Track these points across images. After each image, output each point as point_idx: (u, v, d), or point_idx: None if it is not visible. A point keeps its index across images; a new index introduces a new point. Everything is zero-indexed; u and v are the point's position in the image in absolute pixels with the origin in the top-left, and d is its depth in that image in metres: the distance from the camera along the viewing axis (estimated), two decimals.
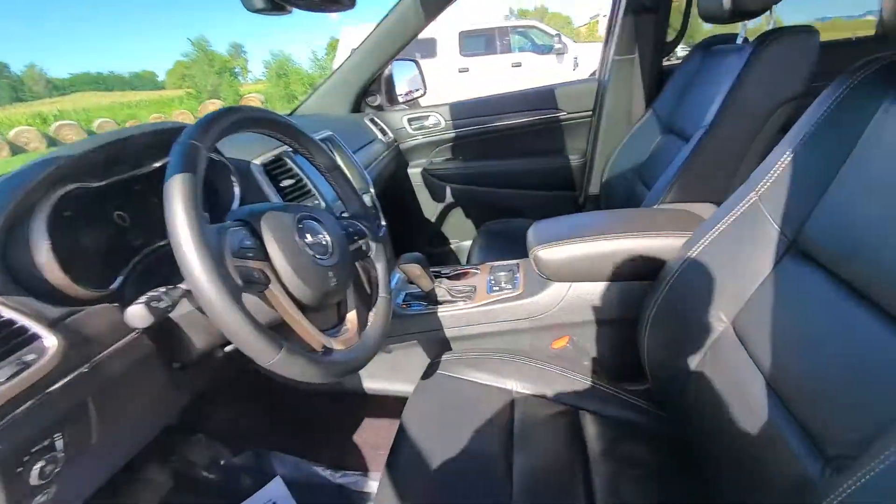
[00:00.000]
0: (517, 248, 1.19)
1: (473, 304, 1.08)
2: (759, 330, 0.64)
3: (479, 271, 1.23)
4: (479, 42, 8.92)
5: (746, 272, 0.69)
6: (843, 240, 0.57)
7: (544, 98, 1.86)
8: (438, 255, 2.11)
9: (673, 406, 0.82)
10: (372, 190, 1.29)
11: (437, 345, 1.12)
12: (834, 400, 0.51)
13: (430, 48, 8.44)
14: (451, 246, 2.11)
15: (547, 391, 0.93)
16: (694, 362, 0.75)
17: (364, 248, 0.85)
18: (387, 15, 1.64)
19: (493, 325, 1.08)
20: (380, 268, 0.86)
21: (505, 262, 1.24)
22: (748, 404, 0.62)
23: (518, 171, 1.92)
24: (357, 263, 0.85)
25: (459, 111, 1.92)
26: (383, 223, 1.29)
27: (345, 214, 0.89)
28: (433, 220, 2.04)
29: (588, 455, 0.79)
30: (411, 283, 1.10)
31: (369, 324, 0.80)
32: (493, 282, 1.15)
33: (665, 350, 0.83)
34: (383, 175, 1.78)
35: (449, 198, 1.99)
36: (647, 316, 0.85)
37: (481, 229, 1.79)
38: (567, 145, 1.91)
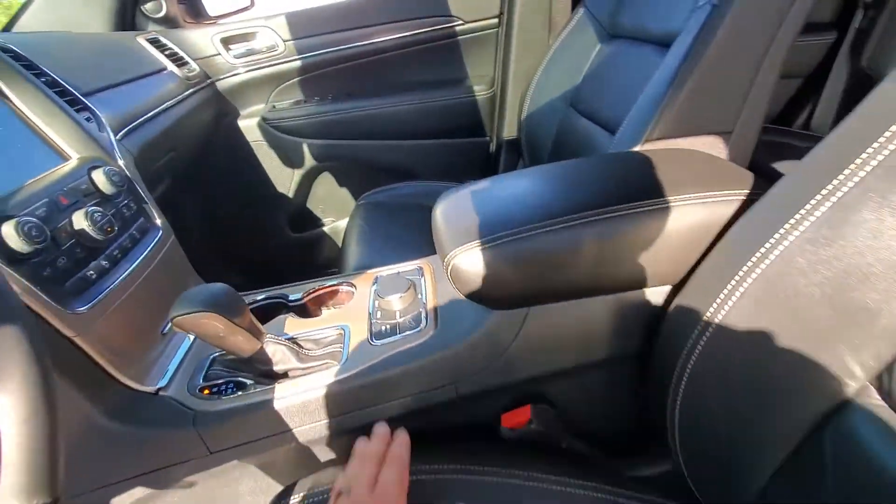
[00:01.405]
0: (414, 228, 0.83)
1: (343, 369, 0.53)
2: None
3: (352, 289, 0.68)
4: None
5: None
6: None
7: (429, 1, 1.27)
8: (307, 243, 1.49)
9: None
10: (119, 160, 0.64)
11: (285, 462, 0.56)
12: None
13: None
14: (325, 229, 1.50)
15: None
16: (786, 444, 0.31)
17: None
18: None
19: (386, 405, 0.55)
20: None
21: (397, 268, 0.71)
22: None
23: (400, 113, 1.34)
24: None
25: (304, 25, 1.26)
26: (157, 222, 0.66)
27: None
28: (290, 193, 1.40)
29: None
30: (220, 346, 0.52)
31: None
32: (379, 316, 0.60)
33: (724, 413, 0.38)
34: (189, 130, 1.10)
35: (308, 158, 1.35)
36: (684, 352, 0.40)
37: (359, 203, 1.21)
38: (467, 70, 1.36)
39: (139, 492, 0.53)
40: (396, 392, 0.54)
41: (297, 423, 0.53)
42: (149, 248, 0.62)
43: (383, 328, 0.58)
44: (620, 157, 0.64)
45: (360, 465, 0.45)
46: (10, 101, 0.56)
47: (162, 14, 1.17)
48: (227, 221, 1.40)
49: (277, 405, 0.52)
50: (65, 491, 0.29)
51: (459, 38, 1.30)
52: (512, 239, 0.48)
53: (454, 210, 0.56)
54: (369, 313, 0.61)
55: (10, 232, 0.44)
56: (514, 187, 0.58)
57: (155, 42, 1.09)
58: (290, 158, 1.36)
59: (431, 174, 1.37)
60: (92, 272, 0.52)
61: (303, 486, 0.50)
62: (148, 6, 1.15)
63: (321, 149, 1.34)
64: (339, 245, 1.47)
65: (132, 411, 0.52)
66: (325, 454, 0.59)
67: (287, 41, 1.25)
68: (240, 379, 0.55)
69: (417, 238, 0.99)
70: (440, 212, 0.56)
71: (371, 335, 0.57)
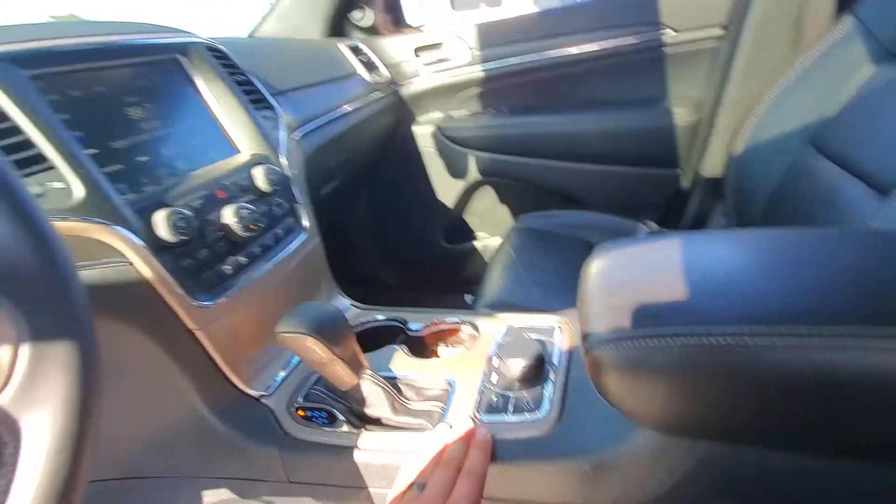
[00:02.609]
0: (569, 266, 0.71)
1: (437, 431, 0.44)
2: None
3: (476, 334, 0.59)
4: None
5: None
6: None
7: (639, 7, 1.11)
8: (457, 255, 1.46)
9: None
10: (283, 159, 0.66)
11: None
12: None
13: None
14: (477, 244, 1.44)
15: None
16: None
17: None
18: None
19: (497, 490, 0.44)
20: None
21: (532, 320, 0.59)
22: None
23: (579, 133, 1.20)
24: None
25: (496, 34, 1.22)
26: (304, 224, 0.67)
27: None
28: (450, 204, 1.38)
29: None
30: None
31: None
32: (495, 380, 0.50)
33: None
34: (367, 134, 1.14)
35: (474, 171, 1.31)
36: None
37: (517, 225, 1.11)
38: (668, 89, 1.16)
39: (224, 493, 0.53)
40: (492, 488, 0.42)
41: (374, 484, 0.46)
42: (289, 249, 0.62)
43: (495, 398, 0.48)
44: None
45: (439, 465, 0.41)
46: (203, 96, 0.61)
47: (366, 23, 1.25)
48: (387, 220, 1.45)
49: (358, 457, 0.46)
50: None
51: (666, 50, 1.10)
52: (701, 342, 0.32)
53: (614, 273, 0.41)
54: (484, 373, 0.51)
55: (161, 221, 0.46)
56: (712, 257, 0.41)
57: (354, 49, 1.16)
58: (457, 169, 1.33)
59: (603, 205, 1.19)
60: (228, 267, 0.53)
61: None
62: (355, 15, 1.24)
63: (488, 162, 1.29)
64: (488, 262, 1.41)
65: (233, 412, 0.52)
66: None
67: (474, 50, 1.22)
68: (333, 410, 0.51)
69: (570, 279, 0.85)
70: (596, 271, 0.43)
71: (479, 405, 0.47)
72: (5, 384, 0.24)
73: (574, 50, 1.16)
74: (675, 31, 1.07)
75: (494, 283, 0.90)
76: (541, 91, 1.23)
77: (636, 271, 0.40)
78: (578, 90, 1.21)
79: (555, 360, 0.53)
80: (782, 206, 0.81)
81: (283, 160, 0.66)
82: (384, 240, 1.48)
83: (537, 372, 0.49)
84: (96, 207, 0.42)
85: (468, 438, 0.43)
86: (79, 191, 0.42)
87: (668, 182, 1.20)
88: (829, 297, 0.32)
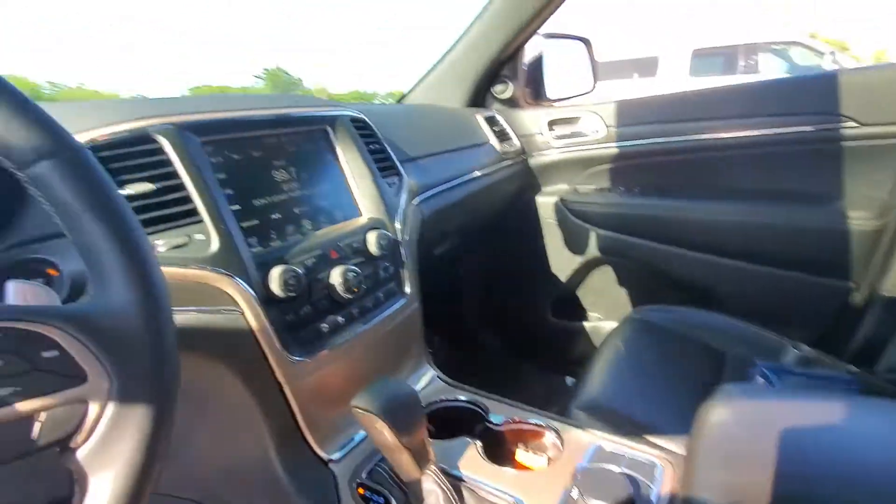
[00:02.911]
0: (688, 377, 0.65)
1: None
2: None
3: (559, 444, 0.53)
4: (716, 62, 7.37)
5: None
6: None
7: (815, 94, 0.98)
8: (564, 332, 1.37)
9: None
10: (398, 224, 0.69)
11: None
12: None
13: (648, 67, 7.32)
14: (587, 324, 1.35)
15: None
16: None
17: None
18: None
19: None
20: None
21: (629, 447, 0.51)
22: None
23: (723, 224, 1.07)
24: None
25: (636, 114, 1.17)
26: (406, 290, 0.68)
27: None
28: (563, 278, 1.32)
29: None
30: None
31: None
32: None
33: None
34: (489, 200, 1.16)
35: (594, 248, 1.24)
36: None
37: (633, 315, 1.01)
38: (844, 187, 0.98)
39: None
40: None
41: None
42: (387, 313, 0.63)
43: None
44: None
45: None
46: (340, 162, 0.67)
47: (507, 95, 1.29)
48: (497, 285, 1.43)
49: None
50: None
51: (844, 144, 0.95)
52: None
53: (741, 434, 0.34)
54: (560, 502, 0.45)
55: (276, 276, 0.50)
56: (877, 432, 0.32)
57: (490, 119, 1.21)
58: (576, 243, 1.27)
59: (741, 309, 1.03)
60: (326, 325, 0.55)
61: None
62: (497, 88, 1.29)
63: (610, 241, 1.21)
64: (596, 346, 1.30)
65: (300, 469, 0.53)
66: None
67: (610, 127, 1.18)
68: (392, 499, 0.48)
69: (683, 394, 0.73)
70: (716, 422, 0.35)
71: None
72: (87, 438, 0.26)
73: (727, 135, 1.06)
74: (860, 123, 0.92)
75: (596, 378, 0.82)
76: (681, 174, 1.14)
77: (764, 437, 0.32)
78: (728, 177, 1.09)
79: (650, 501, 0.44)
80: None
81: (398, 225, 0.69)
82: (491, 304, 1.46)
83: None
84: (226, 260, 0.47)
85: None
86: (215, 244, 0.47)
87: (834, 295, 1.00)
88: None
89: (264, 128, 0.59)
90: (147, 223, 0.45)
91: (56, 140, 0.27)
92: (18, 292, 0.29)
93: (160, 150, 0.48)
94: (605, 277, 1.29)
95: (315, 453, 0.53)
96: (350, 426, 0.58)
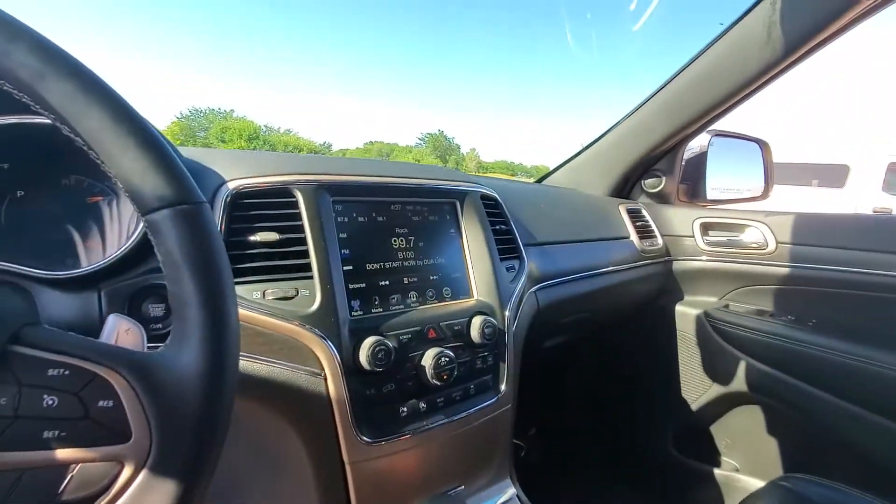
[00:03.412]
0: None
1: None
2: None
3: None
4: None
5: None
6: None
7: None
8: (686, 472, 1.13)
9: None
10: (507, 312, 0.63)
11: None
12: None
13: (836, 176, 6.37)
14: (717, 471, 1.09)
15: None
16: None
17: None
18: (703, 50, 0.96)
19: None
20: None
21: None
22: None
23: None
24: None
25: (817, 231, 0.97)
26: (501, 387, 0.61)
27: None
28: (694, 406, 1.11)
29: None
30: None
31: None
32: None
33: None
34: (619, 300, 1.05)
35: (740, 379, 1.02)
36: None
37: (780, 482, 0.78)
38: None
39: None
40: None
41: None
42: (475, 409, 0.57)
43: None
44: None
45: None
46: (462, 238, 0.65)
47: (658, 190, 1.19)
48: (609, 395, 1.26)
49: None
50: None
51: None
52: None
53: None
54: None
55: (366, 346, 0.48)
56: None
57: (634, 213, 1.11)
58: (718, 369, 1.07)
59: None
60: (405, 409, 0.51)
61: None
62: (648, 182, 1.20)
63: (763, 376, 0.99)
64: (723, 499, 1.04)
65: None
66: None
67: (781, 243, 1.00)
68: None
69: None
70: None
71: None
72: (113, 502, 0.24)
73: None
74: None
75: None
76: (865, 313, 0.90)
77: None
78: None
79: None
80: None
81: (508, 313, 0.64)
82: (601, 417, 1.28)
83: None
84: (324, 319, 0.47)
85: None
86: (317, 302, 0.47)
87: None
88: None
89: (394, 195, 0.59)
90: (263, 271, 0.47)
91: (179, 192, 0.28)
92: (113, 328, 0.31)
93: (295, 204, 0.50)
94: (749, 418, 1.05)
95: None
96: None
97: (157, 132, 0.29)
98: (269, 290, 0.46)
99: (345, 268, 0.51)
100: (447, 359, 0.52)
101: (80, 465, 0.24)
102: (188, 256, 0.27)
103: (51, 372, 0.24)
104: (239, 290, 0.45)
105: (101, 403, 0.24)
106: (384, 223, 0.58)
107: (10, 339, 0.23)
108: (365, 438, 0.47)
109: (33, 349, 0.24)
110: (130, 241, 0.42)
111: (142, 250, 0.43)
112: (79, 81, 0.25)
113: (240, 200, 0.48)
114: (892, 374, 0.83)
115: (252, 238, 0.47)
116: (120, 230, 0.45)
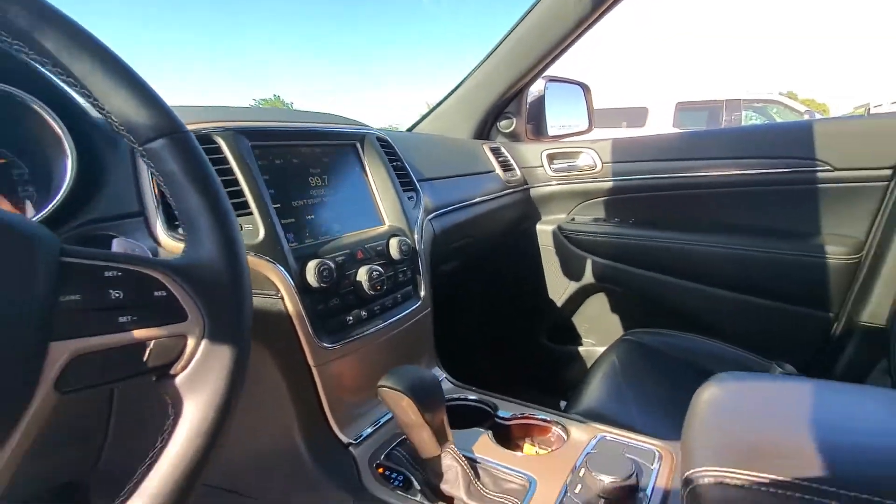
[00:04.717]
0: (677, 392, 0.67)
1: None
2: None
3: (565, 437, 0.57)
4: (700, 116, 7.78)
5: None
6: None
7: (791, 140, 1.08)
8: (558, 356, 1.41)
9: None
10: (416, 235, 0.75)
11: None
12: None
13: (639, 117, 7.68)
14: (581, 349, 1.39)
15: None
16: None
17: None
18: (530, 9, 1.14)
19: None
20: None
21: (629, 439, 0.55)
22: None
23: (712, 256, 1.14)
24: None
25: (630, 151, 1.26)
26: (421, 293, 0.73)
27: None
28: (559, 303, 1.37)
29: None
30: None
31: None
32: (578, 489, 0.47)
33: None
34: (492, 225, 1.23)
35: (589, 275, 1.30)
36: None
37: (625, 336, 1.06)
38: (822, 226, 1.06)
39: None
40: None
41: None
42: (405, 312, 0.68)
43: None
44: None
45: None
46: (367, 175, 0.73)
47: (511, 130, 1.39)
48: (494, 307, 1.48)
49: None
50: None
51: (820, 186, 1.04)
52: (820, 500, 0.29)
53: (731, 405, 0.39)
54: (567, 482, 0.49)
55: (312, 268, 0.55)
56: (852, 409, 0.37)
57: (495, 150, 1.29)
58: (572, 270, 1.34)
59: (730, 335, 1.09)
60: (350, 318, 0.60)
61: None
62: (502, 123, 1.39)
63: (605, 269, 1.27)
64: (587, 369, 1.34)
65: (322, 452, 0.56)
66: None
67: (606, 163, 1.27)
68: (411, 477, 0.52)
69: (674, 407, 0.77)
70: (708, 399, 0.40)
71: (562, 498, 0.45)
72: (184, 367, 0.30)
73: (714, 173, 1.15)
74: (833, 167, 1.01)
75: (593, 391, 0.86)
76: (671, 208, 1.22)
77: (752, 410, 0.37)
78: (715, 212, 1.17)
79: (648, 488, 0.48)
80: None
81: (416, 235, 0.75)
82: (488, 325, 1.50)
83: (627, 494, 0.45)
84: (270, 249, 0.52)
85: None
86: (262, 234, 0.52)
87: (817, 325, 1.06)
88: None
89: (303, 138, 0.65)
90: None
91: (171, 123, 0.33)
92: (122, 247, 0.34)
93: (219, 150, 0.53)
94: (599, 304, 1.34)
95: (336, 437, 0.57)
96: (368, 413, 0.61)
97: (140, 76, 0.32)
98: None
99: (275, 205, 0.57)
100: (378, 272, 0.62)
101: (153, 341, 0.29)
102: (191, 175, 0.33)
103: (107, 274, 0.28)
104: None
105: (157, 294, 0.30)
106: (299, 165, 0.64)
107: (62, 253, 0.27)
108: (324, 344, 0.56)
109: (85, 259, 0.28)
110: (62, 192, 0.43)
111: (74, 203, 0.44)
112: (70, 30, 0.28)
113: None
114: (697, 249, 1.16)
115: None
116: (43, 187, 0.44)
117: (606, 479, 0.46)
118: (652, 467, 0.50)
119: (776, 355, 0.97)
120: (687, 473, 0.34)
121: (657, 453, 0.52)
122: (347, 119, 0.77)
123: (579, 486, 0.48)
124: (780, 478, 0.30)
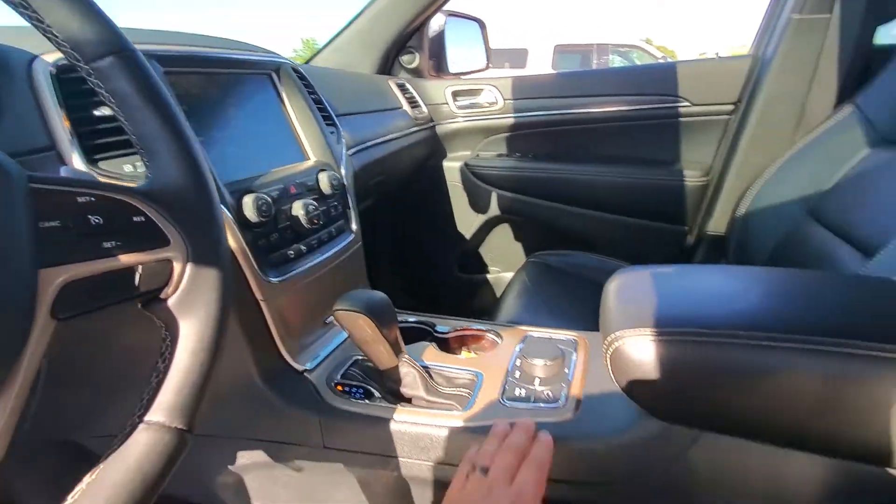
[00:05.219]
0: (579, 300, 0.82)
1: (466, 418, 0.50)
2: None
3: (498, 341, 0.65)
4: (575, 59, 8.28)
5: None
6: None
7: (659, 80, 1.24)
8: (470, 285, 1.53)
9: None
10: (343, 169, 0.75)
11: (383, 488, 0.55)
12: None
13: (520, 58, 7.93)
14: (489, 276, 1.52)
15: None
16: None
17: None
18: None
19: None
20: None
21: (551, 334, 0.65)
22: None
23: (597, 183, 1.30)
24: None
25: (527, 88, 1.34)
26: (353, 227, 0.75)
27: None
28: (468, 235, 1.47)
29: None
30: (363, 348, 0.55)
31: None
32: (518, 376, 0.56)
33: None
34: (403, 162, 1.24)
35: (494, 207, 1.40)
36: None
37: (532, 259, 1.19)
38: (681, 153, 1.27)
39: (258, 455, 0.58)
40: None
41: (405, 454, 0.51)
42: (340, 246, 0.69)
43: (517, 391, 0.54)
44: (879, 283, 0.49)
45: (500, 450, 0.41)
46: (286, 107, 0.71)
47: (414, 65, 1.38)
48: (407, 244, 1.53)
49: (393, 427, 0.51)
50: (198, 426, 0.32)
51: (681, 119, 1.22)
52: (700, 340, 0.39)
53: (632, 288, 0.49)
54: (507, 370, 0.57)
55: (249, 203, 0.54)
56: (714, 282, 0.49)
57: (401, 86, 1.28)
58: (478, 204, 1.43)
59: (612, 251, 1.28)
60: (291, 252, 0.60)
61: None
62: (404, 58, 1.37)
63: (509, 201, 1.38)
64: (498, 296, 1.47)
65: (279, 381, 0.58)
66: (421, 497, 0.56)
67: (507, 100, 1.34)
68: (370, 388, 0.57)
69: (580, 310, 0.92)
70: (615, 286, 0.50)
71: (503, 393, 0.53)
72: (175, 290, 0.31)
73: (597, 110, 1.28)
74: (691, 103, 1.19)
75: (510, 307, 0.97)
76: (564, 142, 1.34)
77: (652, 287, 0.48)
78: (598, 145, 1.32)
79: (572, 364, 0.59)
80: (780, 263, 0.89)
81: (343, 170, 0.75)
82: (402, 261, 1.55)
83: (557, 371, 0.55)
84: None
85: (529, 433, 0.43)
86: None
87: (676, 237, 1.28)
88: (802, 314, 0.40)
89: (218, 66, 0.61)
90: (119, 146, 0.46)
91: (118, 40, 0.30)
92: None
93: None
94: (504, 233, 1.46)
95: (291, 367, 0.59)
96: (317, 342, 0.64)
97: None
98: (139, 163, 0.46)
99: (199, 138, 0.54)
100: (313, 206, 0.63)
101: (141, 265, 0.29)
102: (146, 96, 0.31)
103: (80, 199, 0.27)
104: (106, 165, 0.44)
105: (135, 219, 0.29)
106: (217, 94, 0.60)
107: (30, 180, 0.25)
108: (270, 279, 0.56)
109: (55, 185, 0.26)
110: None
111: None
112: None
113: (64, 75, 0.44)
114: (584, 179, 1.30)
115: (97, 113, 0.45)
116: None
117: (540, 362, 0.55)
118: (573, 352, 0.60)
119: (648, 264, 1.18)
120: (609, 338, 0.43)
121: (575, 341, 0.63)
122: (262, 49, 0.72)
123: (518, 373, 0.57)
124: (679, 329, 0.40)
